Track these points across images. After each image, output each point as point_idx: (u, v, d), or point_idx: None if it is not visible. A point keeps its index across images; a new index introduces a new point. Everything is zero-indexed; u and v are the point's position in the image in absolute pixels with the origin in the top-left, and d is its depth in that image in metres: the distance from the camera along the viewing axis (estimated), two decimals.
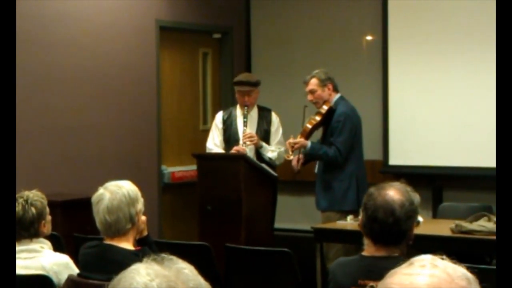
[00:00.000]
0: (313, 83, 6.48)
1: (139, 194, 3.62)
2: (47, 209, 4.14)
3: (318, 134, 6.63)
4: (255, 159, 6.63)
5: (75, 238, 5.39)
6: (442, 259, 1.56)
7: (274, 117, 6.87)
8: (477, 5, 7.13)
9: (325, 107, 6.45)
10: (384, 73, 7.66)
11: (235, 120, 6.81)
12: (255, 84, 6.78)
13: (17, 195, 4.05)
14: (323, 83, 6.47)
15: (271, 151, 6.70)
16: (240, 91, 6.73)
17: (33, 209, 4.03)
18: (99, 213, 3.54)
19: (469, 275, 1.52)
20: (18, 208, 4.01)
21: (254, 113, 6.81)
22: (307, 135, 6.45)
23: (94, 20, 7.16)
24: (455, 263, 1.55)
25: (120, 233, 3.55)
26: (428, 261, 1.53)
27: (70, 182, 6.88)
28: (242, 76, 6.92)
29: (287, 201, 8.11)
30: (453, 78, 7.27)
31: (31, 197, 4.08)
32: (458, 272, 1.51)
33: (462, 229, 5.27)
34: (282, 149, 6.72)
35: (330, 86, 6.49)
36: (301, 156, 6.50)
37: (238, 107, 6.85)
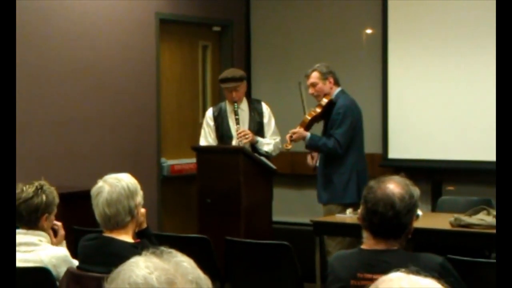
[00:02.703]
0: (315, 76, 6.49)
1: (138, 187, 3.62)
2: (55, 208, 4.12)
3: (319, 128, 6.64)
4: None
5: (74, 230, 5.39)
6: (415, 273, 1.51)
7: (265, 108, 6.84)
8: (477, 0, 7.13)
9: (325, 100, 6.46)
10: (383, 67, 7.66)
11: (226, 116, 6.76)
12: (240, 78, 6.71)
13: (34, 181, 4.07)
14: (324, 76, 6.48)
15: (267, 145, 6.69)
16: (227, 88, 6.69)
17: (43, 197, 4.02)
18: (99, 206, 3.54)
19: None
20: (31, 189, 4.01)
21: (244, 107, 6.78)
22: (307, 126, 6.46)
23: (93, 13, 7.15)
24: (427, 275, 1.50)
25: (119, 225, 3.55)
26: (394, 282, 1.48)
27: (70, 174, 6.88)
28: (226, 73, 6.84)
29: (286, 194, 8.12)
30: (452, 72, 7.27)
31: (46, 187, 4.08)
32: None
33: (461, 223, 5.27)
34: (278, 139, 6.73)
35: (331, 80, 6.49)
36: (314, 154, 6.54)
37: (227, 102, 6.82)
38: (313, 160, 6.60)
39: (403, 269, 1.53)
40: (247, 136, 6.56)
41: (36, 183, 4.06)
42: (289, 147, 6.43)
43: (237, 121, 6.61)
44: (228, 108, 6.77)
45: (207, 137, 6.82)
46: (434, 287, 1.49)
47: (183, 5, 8.04)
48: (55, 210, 4.12)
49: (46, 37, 6.78)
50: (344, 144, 6.38)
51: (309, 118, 6.46)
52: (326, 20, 8.19)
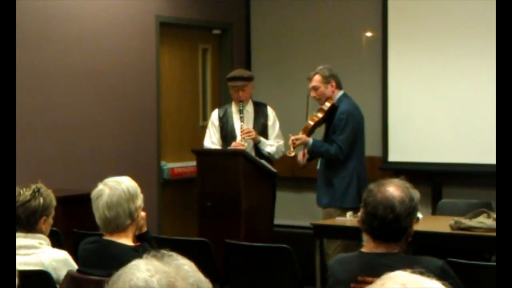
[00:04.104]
0: (316, 79, 6.48)
1: (138, 190, 3.62)
2: (53, 210, 4.12)
3: (321, 130, 6.63)
4: (254, 154, 6.64)
5: (74, 234, 5.39)
6: (413, 272, 1.52)
7: (270, 111, 6.88)
8: (477, 2, 7.13)
9: (327, 104, 6.45)
10: (383, 69, 7.66)
11: (231, 117, 6.82)
12: (248, 78, 6.80)
13: (31, 184, 4.06)
14: (326, 80, 6.46)
15: (270, 146, 6.72)
16: (234, 87, 6.76)
17: (41, 199, 4.01)
18: (99, 209, 3.54)
19: None
20: (28, 192, 4.00)
21: (250, 108, 6.84)
22: (309, 131, 6.45)
23: (94, 16, 7.16)
24: (427, 275, 1.51)
25: (119, 228, 3.55)
26: (391, 279, 1.50)
27: (70, 178, 6.88)
28: (235, 72, 6.97)
29: (287, 197, 8.11)
30: (452, 74, 7.27)
31: (43, 189, 4.07)
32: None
33: (461, 226, 5.27)
34: (281, 142, 6.76)
35: (333, 83, 6.48)
36: (306, 151, 6.50)
37: (233, 103, 6.87)
38: (303, 157, 6.54)
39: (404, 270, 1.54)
40: (250, 134, 6.59)
41: (33, 186, 4.06)
42: (293, 154, 6.40)
43: (242, 119, 6.66)
44: (234, 108, 6.82)
45: (211, 137, 6.87)
46: (435, 287, 1.50)
47: (183, 8, 8.04)
48: (52, 213, 4.11)
49: (46, 40, 6.78)
50: (346, 150, 6.38)
51: (311, 123, 6.45)
52: (326, 23, 8.19)
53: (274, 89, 8.37)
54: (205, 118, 8.34)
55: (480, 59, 7.04)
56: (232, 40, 8.59)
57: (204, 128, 7.23)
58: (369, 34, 7.96)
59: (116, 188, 3.54)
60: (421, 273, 1.52)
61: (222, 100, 8.27)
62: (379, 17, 7.72)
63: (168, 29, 7.94)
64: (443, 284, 1.51)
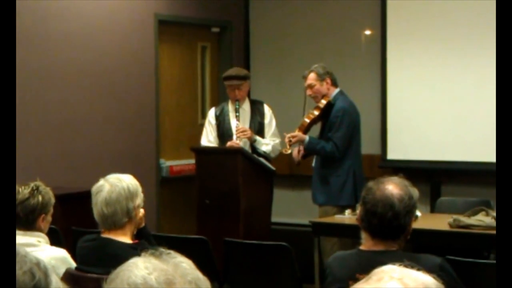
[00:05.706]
0: (311, 77, 6.49)
1: (139, 189, 3.62)
2: (52, 208, 4.11)
3: (317, 128, 6.63)
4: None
5: (73, 232, 5.39)
6: (406, 266, 1.54)
7: (267, 109, 6.87)
8: (476, 1, 7.12)
9: (323, 102, 6.45)
10: (382, 68, 7.66)
11: (228, 115, 6.81)
12: (244, 77, 6.78)
13: (30, 182, 4.06)
14: (321, 77, 6.47)
15: (265, 145, 6.71)
16: (230, 86, 6.75)
17: (40, 197, 4.01)
18: (97, 205, 3.55)
19: (430, 283, 1.50)
20: (27, 190, 3.99)
21: (246, 107, 6.82)
22: (305, 129, 6.45)
23: (93, 14, 7.15)
24: (419, 269, 1.52)
25: (116, 226, 3.55)
26: (386, 273, 1.51)
27: (69, 175, 6.88)
28: (231, 71, 6.93)
29: (285, 195, 8.11)
30: (452, 72, 7.27)
31: (42, 187, 4.06)
32: (418, 281, 1.49)
33: (460, 224, 5.27)
34: (277, 141, 6.74)
35: (329, 81, 6.49)
36: (301, 147, 6.50)
37: (230, 102, 6.86)
38: (299, 154, 6.54)
39: (397, 264, 1.56)
40: (245, 133, 6.59)
41: (32, 184, 4.05)
42: (288, 151, 6.41)
43: (238, 118, 6.65)
44: (230, 107, 6.82)
45: (208, 136, 6.87)
46: (425, 279, 1.51)
47: (182, 6, 8.04)
48: (51, 211, 4.11)
49: (45, 38, 6.78)
50: (342, 147, 6.38)
51: (307, 121, 6.45)
52: (325, 21, 8.19)
53: (273, 87, 8.37)
54: (204, 116, 8.30)
55: (480, 57, 7.04)
56: (231, 38, 8.58)
57: (203, 126, 7.23)
58: (368, 32, 7.95)
59: (116, 185, 3.54)
60: (412, 267, 1.54)
61: (221, 98, 8.26)
62: (378, 15, 7.72)
63: (167, 27, 7.93)
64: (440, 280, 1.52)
